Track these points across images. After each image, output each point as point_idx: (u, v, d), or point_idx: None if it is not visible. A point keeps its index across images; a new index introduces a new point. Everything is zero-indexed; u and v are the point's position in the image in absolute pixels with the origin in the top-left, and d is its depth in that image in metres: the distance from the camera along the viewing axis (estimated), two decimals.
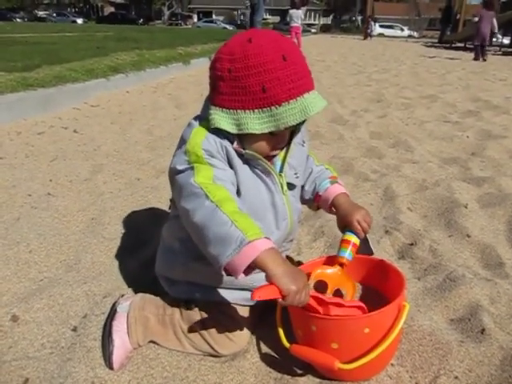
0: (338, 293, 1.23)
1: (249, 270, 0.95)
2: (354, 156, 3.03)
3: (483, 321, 1.33)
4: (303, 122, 1.09)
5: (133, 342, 1.21)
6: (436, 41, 22.00)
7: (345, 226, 1.26)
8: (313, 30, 41.16)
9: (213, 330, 1.18)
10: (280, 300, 0.94)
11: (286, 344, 1.13)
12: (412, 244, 1.83)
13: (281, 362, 1.21)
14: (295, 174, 1.23)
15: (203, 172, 1.04)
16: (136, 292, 1.41)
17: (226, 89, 1.04)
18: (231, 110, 1.04)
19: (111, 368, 1.16)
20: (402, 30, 51.29)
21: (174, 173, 1.10)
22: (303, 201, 1.36)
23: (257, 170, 1.14)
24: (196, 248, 1.06)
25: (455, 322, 1.38)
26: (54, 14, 41.89)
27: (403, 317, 1.06)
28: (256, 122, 1.03)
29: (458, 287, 1.49)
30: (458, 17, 20.88)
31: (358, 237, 1.25)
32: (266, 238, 0.95)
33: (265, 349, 1.26)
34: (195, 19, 61.82)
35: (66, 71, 4.58)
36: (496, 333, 1.29)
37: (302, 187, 1.34)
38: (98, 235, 1.86)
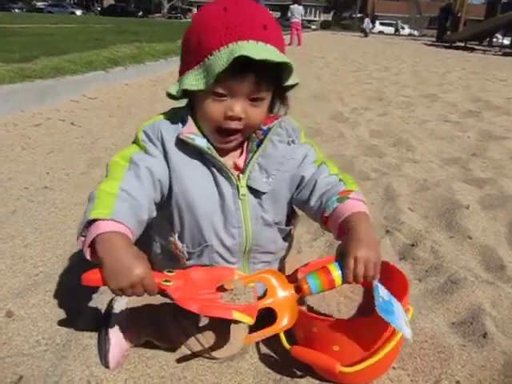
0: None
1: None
2: (355, 154, 3.01)
3: (485, 325, 1.31)
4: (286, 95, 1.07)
5: (129, 340, 1.18)
6: (435, 39, 21.97)
7: (341, 255, 0.96)
8: (313, 27, 41.01)
9: (208, 334, 1.15)
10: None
11: (287, 345, 1.10)
12: (413, 245, 1.82)
13: (280, 362, 1.19)
14: (267, 177, 1.09)
15: (126, 150, 1.04)
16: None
17: (180, 59, 1.04)
18: (181, 77, 1.02)
19: (107, 367, 1.14)
20: (403, 28, 51.24)
21: None
22: (314, 219, 1.15)
23: (211, 166, 1.05)
24: (171, 254, 1.09)
25: (457, 325, 1.36)
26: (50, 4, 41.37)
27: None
28: (192, 79, 0.97)
29: (459, 290, 1.48)
30: (459, 14, 20.82)
31: (345, 279, 0.95)
32: (114, 220, 0.87)
33: (264, 349, 1.24)
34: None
35: (64, 63, 4.53)
36: (498, 337, 1.27)
37: (308, 203, 1.12)
38: None
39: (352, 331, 1.03)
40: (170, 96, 1.05)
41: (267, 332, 0.98)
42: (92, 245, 0.86)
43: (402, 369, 1.19)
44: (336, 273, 0.95)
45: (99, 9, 47.08)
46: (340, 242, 1.01)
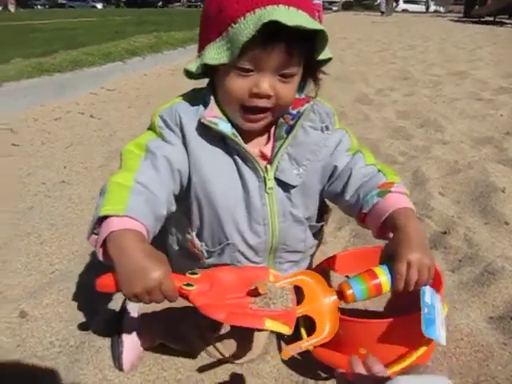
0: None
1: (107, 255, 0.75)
2: (380, 137, 2.88)
3: None
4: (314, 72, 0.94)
5: (143, 342, 1.12)
6: (462, 15, 21.15)
7: (388, 258, 0.85)
8: (334, 8, 40.10)
9: (228, 342, 1.07)
10: None
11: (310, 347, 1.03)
12: (445, 232, 1.70)
13: (303, 364, 1.12)
14: (297, 168, 0.97)
15: (141, 137, 0.94)
16: None
17: (199, 32, 0.92)
18: (201, 52, 0.89)
19: (121, 370, 1.09)
20: (428, 5, 49.63)
21: None
22: (350, 215, 1.04)
23: (235, 155, 0.94)
24: (189, 251, 1.01)
25: (495, 320, 1.25)
26: None
27: None
28: (214, 52, 0.85)
29: (497, 281, 1.36)
30: None
31: (394, 286, 0.83)
32: (128, 216, 0.76)
33: None
34: None
35: (82, 55, 4.51)
36: None
37: (342, 196, 1.00)
38: None
39: (380, 333, 0.94)
40: (188, 74, 0.93)
41: (305, 344, 0.85)
42: (105, 244, 0.76)
43: (437, 369, 1.10)
44: (384, 277, 0.83)
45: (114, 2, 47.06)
46: (378, 238, 0.91)
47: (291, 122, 0.95)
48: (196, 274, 0.81)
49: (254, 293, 0.81)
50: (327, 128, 0.99)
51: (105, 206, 0.78)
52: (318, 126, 0.98)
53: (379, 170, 0.98)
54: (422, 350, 0.92)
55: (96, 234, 0.78)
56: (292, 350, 0.86)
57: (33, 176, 2.29)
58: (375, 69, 5.63)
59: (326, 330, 0.86)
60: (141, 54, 5.32)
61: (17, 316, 1.29)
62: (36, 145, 2.80)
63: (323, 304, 0.88)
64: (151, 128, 0.96)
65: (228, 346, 1.07)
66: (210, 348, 1.09)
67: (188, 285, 0.78)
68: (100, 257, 0.77)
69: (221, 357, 1.09)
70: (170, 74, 5.30)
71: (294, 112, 0.94)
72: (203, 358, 1.12)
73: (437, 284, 1.01)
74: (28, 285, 1.44)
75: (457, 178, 2.15)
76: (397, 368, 0.92)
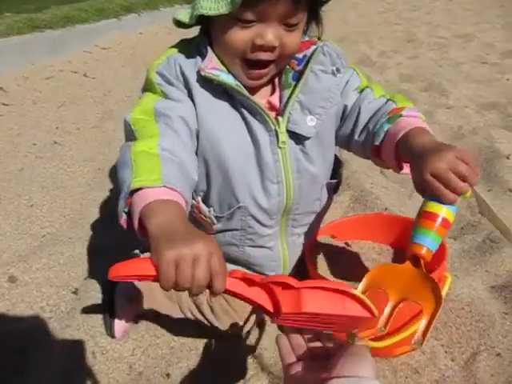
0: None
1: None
2: None
3: None
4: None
5: (136, 310, 1.10)
6: None
7: (422, 187, 0.72)
8: None
9: (218, 311, 1.03)
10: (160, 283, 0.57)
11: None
12: None
13: None
14: (311, 118, 0.88)
15: (144, 103, 0.82)
16: (144, 252, 1.29)
17: None
18: None
19: (113, 336, 1.07)
20: None
21: None
22: (366, 156, 0.94)
23: (241, 108, 0.85)
24: (194, 218, 0.93)
25: (497, 289, 1.22)
26: None
27: (444, 291, 0.91)
28: (211, 0, 0.74)
29: (500, 249, 1.33)
30: None
31: (444, 200, 0.68)
32: (166, 187, 0.66)
33: None
34: None
35: (74, 11, 4.30)
36: None
37: (352, 137, 0.92)
38: (105, 188, 1.75)
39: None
40: (178, 24, 0.83)
41: (422, 326, 0.70)
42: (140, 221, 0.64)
43: (436, 339, 1.08)
44: (439, 208, 0.68)
45: None
46: (398, 171, 0.82)
47: (298, 68, 0.87)
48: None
49: None
50: (338, 70, 0.90)
51: (136, 177, 0.67)
52: (328, 69, 0.89)
53: (388, 99, 0.89)
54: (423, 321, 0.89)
55: (126, 213, 0.68)
56: (416, 342, 0.73)
57: (23, 136, 2.21)
58: (379, 30, 5.45)
59: (430, 304, 0.69)
60: (136, 11, 5.09)
61: (6, 280, 1.26)
62: (27, 104, 2.70)
63: (408, 284, 0.71)
64: (148, 88, 0.86)
65: (221, 318, 1.04)
66: (203, 320, 1.05)
67: None
68: (137, 231, 0.65)
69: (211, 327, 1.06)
70: (167, 32, 5.09)
71: (300, 56, 0.87)
72: (197, 326, 1.10)
73: (440, 255, 0.97)
74: (18, 249, 1.41)
75: (461, 144, 2.09)
76: (396, 339, 0.90)
